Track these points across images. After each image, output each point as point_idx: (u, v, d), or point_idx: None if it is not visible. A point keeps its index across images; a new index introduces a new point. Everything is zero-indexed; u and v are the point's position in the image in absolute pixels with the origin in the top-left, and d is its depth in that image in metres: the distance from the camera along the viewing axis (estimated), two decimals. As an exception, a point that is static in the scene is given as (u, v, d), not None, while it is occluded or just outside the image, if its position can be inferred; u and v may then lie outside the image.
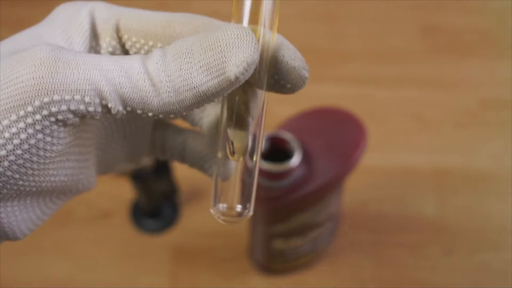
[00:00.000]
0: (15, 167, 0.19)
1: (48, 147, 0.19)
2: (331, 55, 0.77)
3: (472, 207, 0.61)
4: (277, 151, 0.45)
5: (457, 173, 0.64)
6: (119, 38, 0.21)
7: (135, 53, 0.21)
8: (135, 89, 0.18)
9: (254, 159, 0.21)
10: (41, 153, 0.19)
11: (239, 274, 0.57)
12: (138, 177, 0.54)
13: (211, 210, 0.21)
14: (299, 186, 0.45)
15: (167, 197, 0.59)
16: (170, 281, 0.57)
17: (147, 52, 0.21)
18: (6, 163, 0.18)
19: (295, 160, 0.44)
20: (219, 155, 0.21)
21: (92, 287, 0.57)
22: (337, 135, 0.48)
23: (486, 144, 0.67)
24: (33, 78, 0.18)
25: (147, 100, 0.18)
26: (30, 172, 0.19)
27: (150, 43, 0.21)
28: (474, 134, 0.68)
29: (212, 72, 0.18)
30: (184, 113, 0.19)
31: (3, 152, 0.18)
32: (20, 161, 0.18)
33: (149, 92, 0.18)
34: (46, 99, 0.18)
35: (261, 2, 0.20)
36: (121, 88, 0.18)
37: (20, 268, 0.58)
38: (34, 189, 0.20)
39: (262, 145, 0.22)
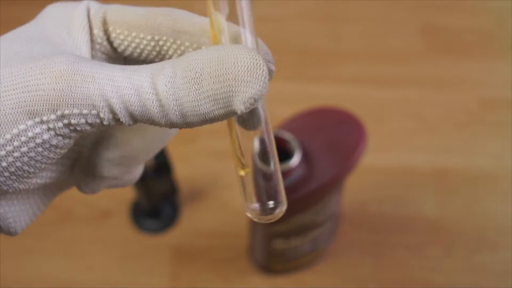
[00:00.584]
0: (25, 167, 0.20)
1: (58, 150, 0.20)
2: (331, 55, 0.77)
3: (472, 207, 0.61)
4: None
5: (457, 173, 0.64)
6: (105, 31, 0.22)
7: (119, 44, 0.22)
8: (143, 108, 0.19)
9: (272, 153, 0.22)
10: (51, 155, 0.20)
11: (239, 274, 0.57)
12: (138, 177, 0.54)
13: (247, 213, 0.21)
14: (299, 186, 0.45)
15: (167, 197, 0.59)
16: (170, 281, 0.57)
17: (130, 44, 0.22)
18: (17, 163, 0.19)
19: (295, 160, 0.44)
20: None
21: (92, 287, 0.57)
22: (337, 135, 0.48)
23: (486, 144, 0.67)
24: (54, 90, 0.18)
25: (154, 119, 0.19)
26: (37, 171, 0.20)
27: (133, 34, 0.22)
28: (474, 134, 0.68)
29: (219, 103, 0.18)
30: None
31: (24, 149, 0.19)
32: (32, 162, 0.20)
33: (157, 113, 0.19)
34: (67, 111, 0.19)
35: (235, 2, 0.20)
36: (130, 106, 0.19)
37: (20, 268, 0.58)
38: (35, 186, 0.21)
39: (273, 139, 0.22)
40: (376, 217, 0.61)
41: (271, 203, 0.21)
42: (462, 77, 0.74)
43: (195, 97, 0.18)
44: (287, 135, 0.45)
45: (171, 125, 0.19)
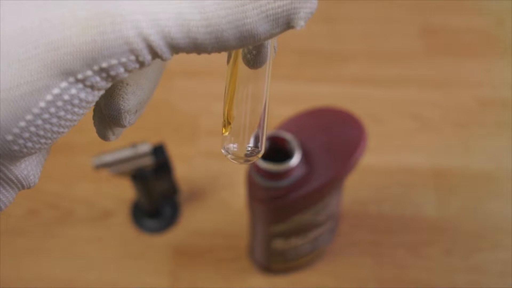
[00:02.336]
0: (61, 129, 0.18)
1: (90, 104, 0.18)
2: (331, 55, 0.77)
3: (472, 207, 0.62)
4: (277, 151, 0.45)
5: (456, 173, 0.64)
6: None
7: None
8: (189, 39, 0.17)
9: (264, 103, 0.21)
10: (85, 110, 0.18)
11: (239, 274, 0.57)
12: (138, 177, 0.54)
13: (222, 150, 0.21)
14: (299, 186, 0.45)
15: (167, 197, 0.59)
16: (170, 281, 0.57)
17: None
18: (54, 128, 0.18)
19: (295, 160, 0.44)
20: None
21: (92, 287, 0.57)
22: (337, 135, 0.48)
23: (485, 144, 0.67)
24: (86, 43, 0.16)
25: (202, 48, 0.17)
26: (69, 128, 0.18)
27: None
28: (474, 134, 0.68)
29: (279, 22, 0.17)
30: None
31: (61, 113, 0.17)
32: (67, 123, 0.18)
33: (206, 40, 0.17)
34: (104, 64, 0.17)
35: None
36: (173, 39, 0.17)
37: (20, 268, 0.58)
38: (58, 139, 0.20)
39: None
40: (376, 217, 0.61)
41: (249, 147, 0.21)
42: (462, 77, 0.74)
43: (253, 17, 0.17)
44: (287, 135, 0.45)
45: (219, 49, 0.17)
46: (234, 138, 0.21)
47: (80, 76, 0.17)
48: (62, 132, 0.18)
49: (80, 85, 0.17)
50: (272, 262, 0.56)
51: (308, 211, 0.49)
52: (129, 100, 0.20)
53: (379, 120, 0.69)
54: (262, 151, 0.21)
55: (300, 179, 0.45)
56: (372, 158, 0.60)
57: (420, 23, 0.80)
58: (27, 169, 0.19)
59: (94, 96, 0.18)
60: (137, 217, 0.61)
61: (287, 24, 0.17)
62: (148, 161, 0.52)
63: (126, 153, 0.51)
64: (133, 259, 0.58)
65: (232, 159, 0.21)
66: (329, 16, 0.82)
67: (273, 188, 0.45)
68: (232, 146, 0.21)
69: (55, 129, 0.18)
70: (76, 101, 0.17)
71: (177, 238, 0.60)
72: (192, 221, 0.61)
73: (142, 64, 0.17)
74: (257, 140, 0.21)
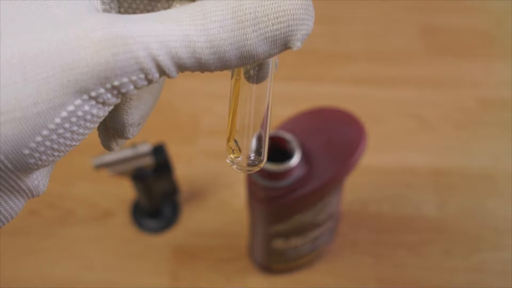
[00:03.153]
0: (73, 143, 0.19)
1: (101, 118, 0.19)
2: (331, 56, 0.77)
3: (472, 207, 0.62)
4: (277, 151, 0.45)
5: (456, 173, 0.64)
6: None
7: None
8: (194, 59, 0.18)
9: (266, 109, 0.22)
10: (95, 125, 0.19)
11: (239, 274, 0.57)
12: (138, 177, 0.54)
13: (227, 160, 0.22)
14: (299, 186, 0.45)
15: (167, 197, 0.59)
16: (170, 281, 0.57)
17: None
18: (67, 142, 0.19)
19: (295, 160, 0.44)
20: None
21: (92, 287, 0.57)
22: (337, 135, 0.48)
23: (485, 144, 0.67)
24: (100, 63, 0.17)
25: (206, 67, 0.19)
26: (80, 141, 0.20)
27: None
28: (474, 134, 0.68)
29: (277, 43, 0.18)
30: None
31: (75, 128, 0.18)
32: (80, 137, 0.19)
33: (209, 60, 0.18)
34: (116, 83, 0.18)
35: None
36: (180, 59, 0.18)
37: (20, 268, 0.58)
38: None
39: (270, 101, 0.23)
40: (376, 217, 0.61)
41: (252, 156, 0.22)
42: (462, 77, 0.74)
43: (253, 39, 0.18)
44: (287, 135, 0.45)
45: (222, 68, 0.19)
46: (238, 149, 0.22)
47: (93, 94, 0.18)
48: (74, 145, 0.19)
49: (93, 102, 0.18)
50: (272, 262, 0.56)
51: (308, 211, 0.49)
52: (133, 114, 0.22)
53: (379, 120, 0.69)
54: (265, 160, 0.23)
55: (300, 179, 0.45)
56: (372, 158, 0.60)
57: (420, 23, 0.80)
58: (38, 179, 0.20)
59: (104, 112, 0.19)
60: (137, 217, 0.61)
61: (285, 45, 0.19)
62: (148, 161, 0.52)
63: (126, 153, 0.51)
64: (133, 259, 0.58)
65: (237, 169, 0.22)
66: (330, 16, 0.82)
67: (273, 188, 0.45)
68: (236, 157, 0.22)
69: (68, 142, 0.19)
70: (88, 117, 0.18)
71: (177, 238, 0.60)
72: (192, 221, 0.61)
73: (150, 82, 0.18)
74: (259, 149, 0.22)
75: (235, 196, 0.62)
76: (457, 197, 0.62)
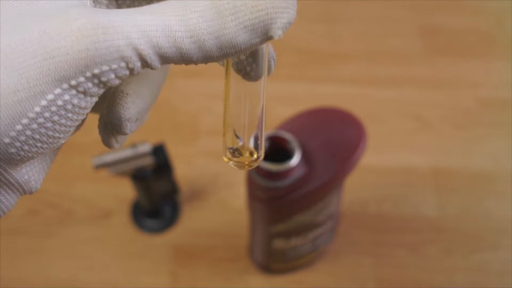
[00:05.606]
0: (56, 134, 0.19)
1: (86, 111, 0.19)
2: (330, 55, 0.77)
3: (471, 207, 0.62)
4: (277, 151, 0.45)
5: (456, 173, 0.64)
6: None
7: None
8: (175, 48, 0.18)
9: (261, 106, 0.22)
10: (80, 116, 0.19)
11: (239, 274, 0.57)
12: (138, 177, 0.54)
13: (224, 158, 0.22)
14: (299, 186, 0.45)
15: (167, 197, 0.59)
16: (170, 281, 0.57)
17: None
18: (49, 132, 0.19)
19: (295, 160, 0.44)
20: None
21: (92, 287, 0.57)
22: (336, 135, 0.48)
23: (485, 144, 0.67)
24: (79, 51, 0.18)
25: (187, 57, 0.19)
26: (66, 134, 0.20)
27: None
28: (474, 134, 0.68)
29: (257, 32, 0.19)
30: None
31: (55, 118, 0.18)
32: (62, 128, 0.19)
33: (190, 50, 0.18)
34: (96, 71, 0.18)
35: None
36: (161, 48, 0.18)
37: (20, 268, 0.58)
38: (59, 146, 0.21)
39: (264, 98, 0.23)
40: (376, 216, 0.61)
41: (250, 152, 0.22)
42: (462, 77, 0.74)
43: (232, 28, 0.18)
44: (287, 135, 0.45)
45: (204, 59, 0.19)
46: (234, 145, 0.22)
47: (73, 83, 0.18)
48: (58, 138, 0.19)
49: (73, 91, 0.18)
50: (272, 262, 0.56)
51: (308, 211, 0.49)
52: (129, 109, 0.22)
53: (379, 120, 0.69)
54: (262, 156, 0.23)
55: (300, 179, 0.45)
56: (372, 158, 0.60)
57: (420, 23, 0.80)
58: (28, 174, 0.21)
59: (87, 103, 0.19)
60: (137, 217, 0.61)
61: (266, 34, 0.19)
62: (148, 161, 0.52)
63: (126, 153, 0.51)
64: (133, 259, 0.58)
65: (234, 165, 0.22)
66: (329, 16, 0.82)
67: (273, 188, 0.45)
68: (235, 154, 0.22)
69: (50, 133, 0.19)
70: (69, 107, 0.18)
71: (177, 238, 0.60)
72: (192, 221, 0.61)
73: (132, 71, 0.19)
74: (256, 146, 0.22)
75: (235, 196, 0.62)
76: (457, 197, 0.62)
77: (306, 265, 0.57)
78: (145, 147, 0.51)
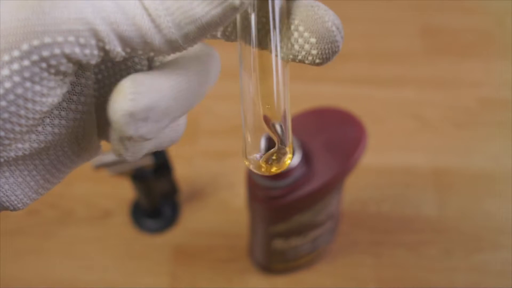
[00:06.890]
0: None
1: (38, 98, 0.16)
2: (331, 55, 0.77)
3: (472, 207, 0.62)
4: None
5: (456, 173, 0.64)
6: None
7: None
8: (133, 26, 0.16)
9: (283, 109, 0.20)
10: (30, 105, 0.16)
11: (239, 274, 0.57)
12: (138, 177, 0.54)
13: (246, 162, 0.19)
14: (299, 186, 0.45)
15: (167, 197, 0.59)
16: (170, 281, 0.57)
17: None
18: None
19: (295, 160, 0.44)
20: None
21: (92, 287, 0.57)
22: (337, 135, 0.48)
23: (485, 144, 0.67)
24: (18, 20, 0.15)
25: (148, 38, 0.17)
26: (17, 128, 0.17)
27: None
28: (474, 134, 0.68)
29: (213, 0, 0.17)
30: (188, 47, 0.17)
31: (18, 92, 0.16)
32: (6, 115, 0.16)
33: (149, 29, 0.17)
34: (36, 42, 0.16)
35: None
36: (118, 26, 0.16)
37: (20, 268, 0.58)
38: (25, 151, 0.18)
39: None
40: (376, 216, 0.61)
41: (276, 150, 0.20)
42: (462, 77, 0.74)
43: (186, 0, 0.16)
44: (287, 135, 0.45)
45: (167, 43, 0.17)
46: (256, 148, 0.20)
47: (6, 58, 0.16)
48: (6, 131, 0.17)
49: (6, 71, 0.16)
50: (272, 262, 0.56)
51: (308, 211, 0.49)
52: (135, 101, 0.17)
53: (379, 120, 0.69)
54: (290, 153, 0.20)
55: (300, 179, 0.45)
56: (372, 158, 0.60)
57: (420, 23, 0.80)
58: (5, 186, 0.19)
59: (33, 84, 0.16)
60: (137, 217, 0.61)
61: (225, 1, 0.17)
62: (148, 161, 0.52)
63: (126, 153, 0.51)
64: (133, 259, 0.58)
65: (255, 169, 0.20)
66: (329, 16, 0.82)
67: (273, 188, 0.45)
68: (255, 156, 0.20)
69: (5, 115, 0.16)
70: (17, 79, 0.16)
71: (177, 238, 0.60)
72: (192, 221, 0.61)
73: (83, 48, 0.16)
74: (283, 139, 0.20)
75: (235, 196, 0.62)
76: (457, 197, 0.62)
77: (306, 265, 0.57)
78: (145, 147, 0.51)
